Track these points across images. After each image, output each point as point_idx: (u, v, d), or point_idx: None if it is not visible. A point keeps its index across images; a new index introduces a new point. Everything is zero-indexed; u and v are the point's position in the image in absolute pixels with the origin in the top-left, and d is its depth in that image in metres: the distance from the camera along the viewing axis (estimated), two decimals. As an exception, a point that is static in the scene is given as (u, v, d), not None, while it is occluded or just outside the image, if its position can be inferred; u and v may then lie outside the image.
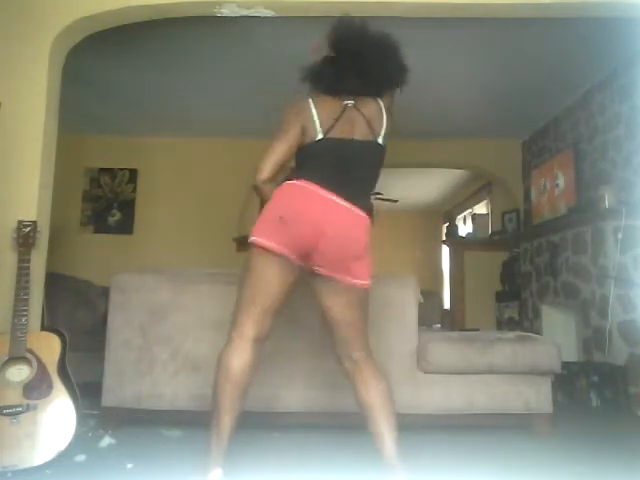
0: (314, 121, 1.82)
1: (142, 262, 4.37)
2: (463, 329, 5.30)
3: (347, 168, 1.82)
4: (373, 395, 1.79)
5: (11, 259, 2.36)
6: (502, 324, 5.42)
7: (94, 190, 5.48)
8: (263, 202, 1.88)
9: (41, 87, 2.56)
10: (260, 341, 1.79)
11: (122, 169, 5.49)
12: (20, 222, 2.33)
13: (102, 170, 5.49)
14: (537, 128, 5.07)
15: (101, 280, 3.97)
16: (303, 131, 1.83)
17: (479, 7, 2.61)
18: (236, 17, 2.73)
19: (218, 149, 5.45)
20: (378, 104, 1.91)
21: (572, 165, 4.17)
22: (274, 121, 2.02)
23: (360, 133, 1.85)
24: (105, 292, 2.92)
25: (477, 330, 4.56)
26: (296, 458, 2.20)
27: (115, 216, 5.46)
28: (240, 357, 1.75)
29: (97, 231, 5.44)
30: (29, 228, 2.31)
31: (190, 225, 5.38)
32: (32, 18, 2.59)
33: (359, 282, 1.78)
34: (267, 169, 1.82)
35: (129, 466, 2.05)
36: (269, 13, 2.68)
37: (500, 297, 5.55)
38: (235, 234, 5.44)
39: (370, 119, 1.87)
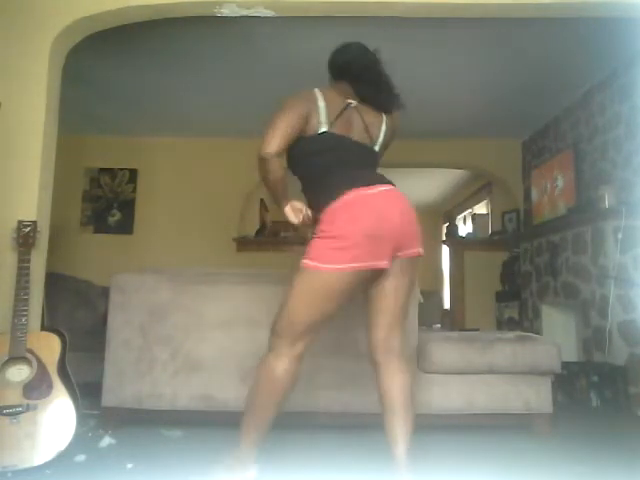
0: (320, 112, 1.79)
1: (142, 262, 4.38)
2: (463, 329, 5.30)
3: (355, 161, 1.84)
4: (397, 390, 1.76)
5: (11, 259, 2.36)
6: (502, 324, 5.42)
7: (94, 190, 5.49)
8: (265, 178, 1.78)
9: (41, 87, 2.56)
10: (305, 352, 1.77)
11: (122, 169, 5.49)
12: (20, 222, 2.32)
13: (102, 170, 5.49)
14: (537, 128, 5.07)
15: (101, 280, 3.98)
16: (307, 119, 1.78)
17: (479, 7, 2.61)
18: (236, 17, 2.73)
19: (218, 149, 5.45)
20: (381, 116, 1.94)
21: (572, 165, 4.17)
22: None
23: (357, 135, 1.87)
24: (105, 292, 2.92)
25: (477, 330, 4.58)
26: (298, 458, 2.19)
27: (115, 216, 5.47)
28: (287, 372, 1.71)
29: (97, 231, 5.45)
30: (29, 228, 2.31)
31: (190, 225, 5.39)
32: (32, 18, 2.59)
33: (421, 250, 1.81)
34: (275, 142, 1.72)
35: (129, 466, 2.05)
36: (269, 13, 2.68)
37: (500, 297, 5.55)
38: (235, 234, 5.45)
39: (369, 124, 1.89)
